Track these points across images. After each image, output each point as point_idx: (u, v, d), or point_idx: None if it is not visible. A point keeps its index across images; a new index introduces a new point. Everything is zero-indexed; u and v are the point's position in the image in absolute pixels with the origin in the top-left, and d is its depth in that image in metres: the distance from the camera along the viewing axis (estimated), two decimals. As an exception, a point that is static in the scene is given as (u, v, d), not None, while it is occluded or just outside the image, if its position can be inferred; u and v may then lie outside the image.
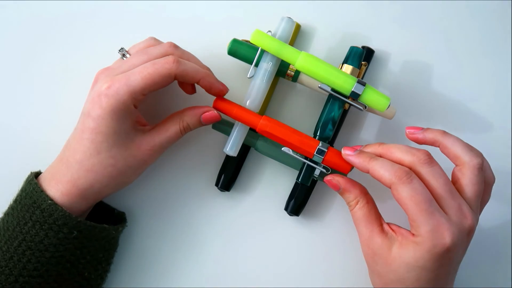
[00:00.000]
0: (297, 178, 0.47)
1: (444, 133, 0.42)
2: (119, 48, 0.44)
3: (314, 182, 0.49)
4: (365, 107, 0.44)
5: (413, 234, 0.40)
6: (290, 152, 0.45)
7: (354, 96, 0.44)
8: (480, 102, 0.50)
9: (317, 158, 0.44)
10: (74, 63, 0.50)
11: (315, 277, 0.50)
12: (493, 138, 0.50)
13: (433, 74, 0.50)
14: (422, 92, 0.50)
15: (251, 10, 0.50)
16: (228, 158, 0.49)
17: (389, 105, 0.44)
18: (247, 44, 0.46)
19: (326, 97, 0.47)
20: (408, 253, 0.40)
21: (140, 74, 0.40)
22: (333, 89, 0.45)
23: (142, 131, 0.43)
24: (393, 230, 0.42)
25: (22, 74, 0.50)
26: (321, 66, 0.44)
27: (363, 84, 0.43)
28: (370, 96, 0.44)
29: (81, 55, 0.50)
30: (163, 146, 0.43)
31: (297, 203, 0.48)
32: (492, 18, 0.50)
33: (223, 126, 0.46)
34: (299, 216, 0.49)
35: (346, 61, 0.47)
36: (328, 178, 0.44)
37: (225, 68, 0.49)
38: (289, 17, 0.45)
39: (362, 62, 0.48)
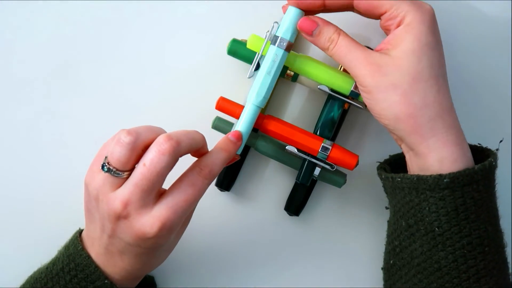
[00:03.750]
0: (297, 178, 0.47)
1: None
2: (103, 164, 0.37)
3: (314, 182, 0.49)
4: (366, 106, 0.44)
5: (396, 27, 0.39)
6: (295, 150, 0.45)
7: (354, 95, 0.44)
8: (480, 102, 0.50)
9: (322, 155, 0.44)
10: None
11: (315, 277, 0.50)
12: (493, 138, 0.50)
13: (433, 74, 0.50)
14: (422, 92, 0.50)
15: (250, 10, 0.50)
16: (228, 158, 0.49)
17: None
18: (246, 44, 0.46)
19: (326, 97, 0.47)
20: (407, 41, 0.39)
21: (186, 202, 0.37)
22: (332, 90, 0.45)
23: None
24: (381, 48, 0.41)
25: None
26: (319, 68, 0.44)
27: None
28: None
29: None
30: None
31: (297, 203, 0.48)
32: (492, 18, 0.50)
33: (224, 126, 0.47)
34: (299, 216, 0.49)
35: (346, 61, 0.47)
36: (304, 18, 0.41)
37: (225, 68, 0.49)
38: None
39: (362, 62, 0.48)
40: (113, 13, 0.50)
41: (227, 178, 0.48)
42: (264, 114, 0.47)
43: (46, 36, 0.50)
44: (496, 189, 0.42)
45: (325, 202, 0.50)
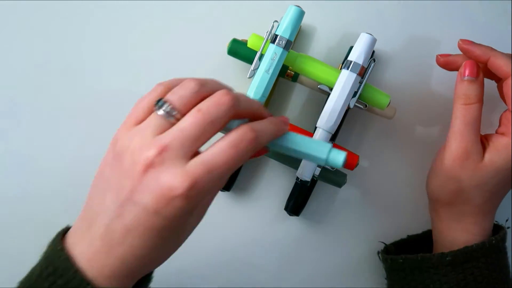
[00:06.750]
0: (297, 178, 0.47)
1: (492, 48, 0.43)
2: (157, 101, 0.32)
3: (314, 182, 0.49)
4: (366, 105, 0.44)
5: (502, 135, 0.41)
6: None
7: (354, 95, 0.44)
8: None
9: None
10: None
11: (315, 277, 0.50)
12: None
13: (433, 74, 0.50)
14: (422, 92, 0.50)
15: (250, 10, 0.50)
16: (228, 158, 0.49)
17: (389, 103, 0.44)
18: (247, 44, 0.46)
19: (326, 97, 0.47)
20: (500, 157, 0.40)
21: (224, 164, 0.31)
22: (332, 89, 0.45)
23: None
24: (483, 138, 0.42)
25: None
26: (319, 67, 0.44)
27: (362, 83, 0.43)
28: (370, 94, 0.44)
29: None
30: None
31: (297, 203, 0.48)
32: (492, 18, 0.50)
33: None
34: (299, 216, 0.49)
35: (346, 61, 0.47)
36: (475, 63, 0.42)
37: (225, 68, 0.49)
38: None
39: (362, 62, 0.48)
40: (113, 13, 0.50)
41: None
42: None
43: (46, 36, 0.50)
44: (506, 262, 0.43)
45: (325, 202, 0.50)
